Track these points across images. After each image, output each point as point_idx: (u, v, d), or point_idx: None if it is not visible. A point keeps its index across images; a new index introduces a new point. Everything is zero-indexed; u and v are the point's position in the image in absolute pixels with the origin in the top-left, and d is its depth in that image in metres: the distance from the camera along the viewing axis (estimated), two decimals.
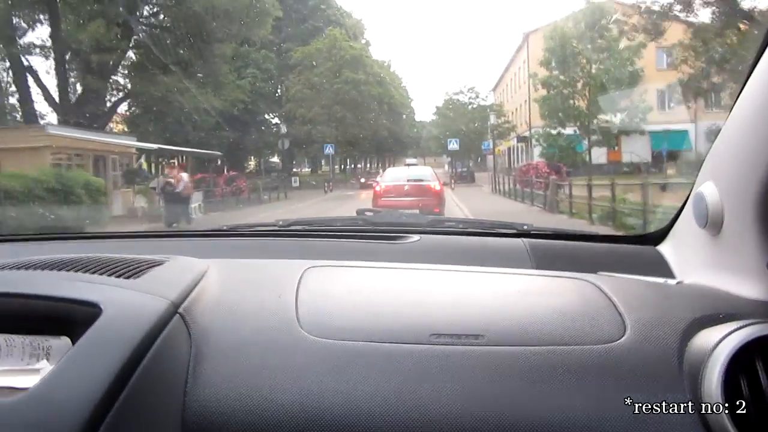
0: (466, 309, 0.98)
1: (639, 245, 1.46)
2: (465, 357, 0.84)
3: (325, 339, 0.86)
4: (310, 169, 43.68)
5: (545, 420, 0.78)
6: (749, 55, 1.00)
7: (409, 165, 16.96)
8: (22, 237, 1.73)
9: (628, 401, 0.78)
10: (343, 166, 43.92)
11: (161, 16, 23.54)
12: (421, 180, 12.13)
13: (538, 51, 24.65)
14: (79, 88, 23.02)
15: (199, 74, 23.64)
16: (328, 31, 32.98)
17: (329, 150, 31.14)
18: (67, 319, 0.80)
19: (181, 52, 22.65)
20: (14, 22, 21.24)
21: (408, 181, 12.03)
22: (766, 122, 0.92)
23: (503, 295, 1.06)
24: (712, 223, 1.05)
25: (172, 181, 11.74)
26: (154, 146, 17.14)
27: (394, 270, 1.17)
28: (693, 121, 24.55)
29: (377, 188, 12.35)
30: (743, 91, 0.98)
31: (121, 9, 19.80)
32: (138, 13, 20.89)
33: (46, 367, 0.78)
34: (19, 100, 22.33)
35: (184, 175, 12.02)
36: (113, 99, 24.75)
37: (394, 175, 13.13)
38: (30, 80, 21.56)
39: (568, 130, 23.56)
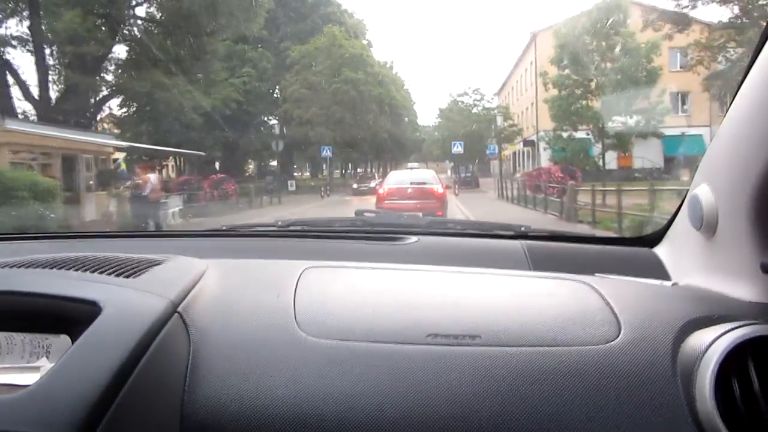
0: (463, 310, 0.98)
1: (636, 247, 1.48)
2: (461, 357, 0.85)
3: (323, 339, 0.87)
4: (310, 173, 42.49)
5: (541, 420, 0.79)
6: None
7: (411, 168, 16.94)
8: (20, 235, 1.72)
9: (622, 402, 0.79)
10: (343, 170, 42.77)
11: (145, 7, 21.93)
12: (424, 183, 12.04)
13: (547, 51, 23.37)
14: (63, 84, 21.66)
15: (188, 70, 22.09)
16: (327, 29, 31.44)
17: (327, 152, 29.41)
18: (67, 317, 0.80)
19: (168, 46, 21.17)
20: None
21: (411, 184, 11.98)
22: (759, 126, 0.92)
23: (500, 296, 1.07)
24: (707, 226, 1.07)
25: (140, 182, 10.29)
26: (125, 144, 15.47)
27: (392, 271, 1.18)
28: (708, 125, 23.19)
29: (380, 191, 12.42)
30: (738, 95, 0.99)
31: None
32: (121, 4, 19.21)
33: (46, 364, 0.80)
34: None
35: (152, 177, 10.41)
36: (98, 96, 23.33)
37: (397, 178, 13.10)
38: (8, 75, 20.25)
39: (580, 133, 22.18)
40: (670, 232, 1.35)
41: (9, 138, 12.23)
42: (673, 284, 1.19)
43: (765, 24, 0.94)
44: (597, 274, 1.20)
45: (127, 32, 20.98)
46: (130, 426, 0.68)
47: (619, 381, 0.81)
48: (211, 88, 23.39)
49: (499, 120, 31.57)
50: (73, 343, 0.74)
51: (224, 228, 1.79)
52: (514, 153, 35.95)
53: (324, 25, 32.37)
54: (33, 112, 21.32)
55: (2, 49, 20.32)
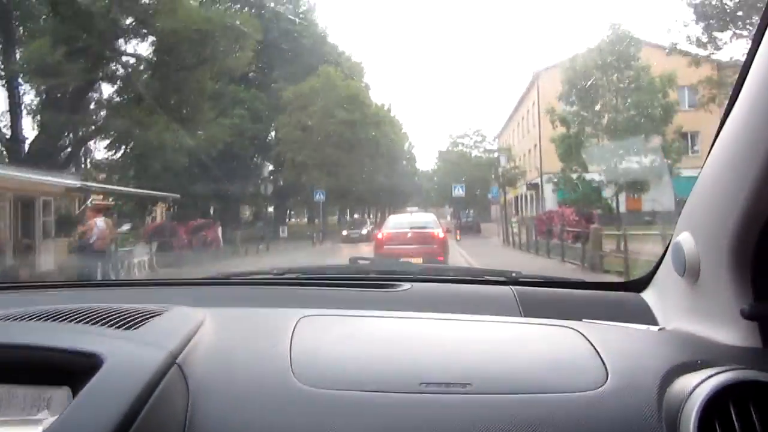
0: (454, 357, 0.99)
1: (624, 292, 1.51)
2: (453, 406, 0.86)
3: (318, 389, 0.88)
4: (308, 219, 40.87)
5: None
6: None
7: (411, 212, 16.58)
8: (17, 285, 1.75)
9: None
10: (339, 217, 41.21)
11: (123, 40, 20.53)
12: (424, 227, 11.79)
13: (549, 91, 22.11)
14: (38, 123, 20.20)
15: (173, 108, 20.57)
16: (322, 68, 30.33)
17: (320, 196, 27.72)
18: (68, 369, 0.80)
19: (147, 80, 19.78)
20: None
21: (411, 228, 11.80)
22: (736, 175, 0.93)
23: (491, 342, 1.07)
24: (690, 272, 1.09)
25: (85, 229, 8.58)
26: (78, 183, 13.74)
27: (385, 319, 1.20)
28: None
29: (379, 235, 12.25)
30: (714, 144, 1.00)
31: (75, 31, 16.89)
32: (96, 36, 17.84)
33: (47, 417, 0.80)
34: None
35: (98, 221, 8.70)
36: (78, 135, 21.81)
37: (397, 222, 12.96)
38: None
39: (589, 174, 20.65)
40: (656, 278, 1.39)
41: None
42: (660, 329, 1.23)
43: (736, 78, 0.94)
44: (585, 320, 1.21)
45: (103, 66, 19.60)
46: None
47: (607, 427, 0.83)
48: (198, 126, 21.88)
49: (503, 160, 30.08)
50: (74, 395, 0.76)
51: (220, 276, 1.86)
52: (516, 197, 34.53)
53: (319, 66, 31.35)
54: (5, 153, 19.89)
55: None
